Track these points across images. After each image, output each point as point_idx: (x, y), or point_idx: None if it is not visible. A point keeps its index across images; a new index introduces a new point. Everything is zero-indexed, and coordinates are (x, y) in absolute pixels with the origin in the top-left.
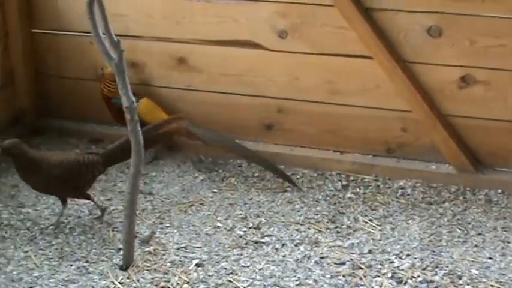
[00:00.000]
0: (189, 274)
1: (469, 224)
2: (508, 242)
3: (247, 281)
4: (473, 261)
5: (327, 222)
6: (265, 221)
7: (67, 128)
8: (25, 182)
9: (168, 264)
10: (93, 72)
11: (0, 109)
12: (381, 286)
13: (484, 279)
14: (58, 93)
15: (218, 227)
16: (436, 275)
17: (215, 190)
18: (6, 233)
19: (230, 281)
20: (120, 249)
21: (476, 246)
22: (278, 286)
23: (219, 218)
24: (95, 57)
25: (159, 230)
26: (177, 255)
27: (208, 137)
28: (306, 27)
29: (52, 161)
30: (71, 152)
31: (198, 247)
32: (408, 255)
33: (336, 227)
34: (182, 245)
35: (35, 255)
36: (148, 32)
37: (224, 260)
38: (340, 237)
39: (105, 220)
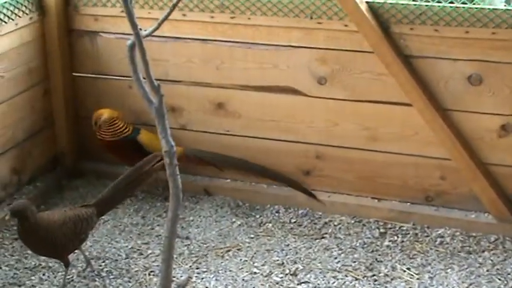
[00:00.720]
0: None
1: (509, 274)
2: None
3: None
4: None
5: (365, 270)
6: (302, 267)
7: (105, 170)
8: (27, 245)
9: None
10: (132, 116)
11: (40, 151)
12: None
13: None
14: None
15: (255, 273)
16: None
17: (252, 235)
18: (44, 275)
19: None
20: None
21: None
22: None
23: (255, 264)
24: (133, 101)
25: (195, 275)
26: None
27: (218, 159)
28: (345, 74)
29: (56, 221)
30: (63, 208)
31: None
32: None
33: (374, 275)
34: None
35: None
36: (187, 76)
37: None
38: (378, 286)
39: (143, 265)
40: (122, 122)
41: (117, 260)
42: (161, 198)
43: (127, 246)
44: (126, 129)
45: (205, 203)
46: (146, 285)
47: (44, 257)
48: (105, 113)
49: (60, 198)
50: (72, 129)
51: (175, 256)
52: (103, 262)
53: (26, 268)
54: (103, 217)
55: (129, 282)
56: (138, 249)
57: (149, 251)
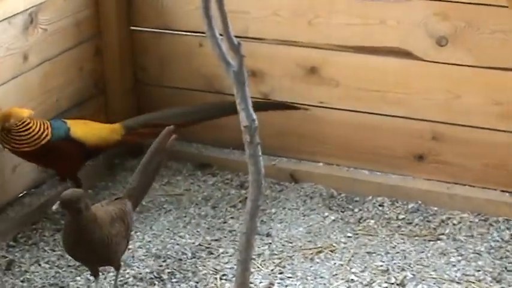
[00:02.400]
0: None
1: None
2: None
3: None
4: None
5: (491, 281)
6: (411, 276)
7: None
8: (71, 246)
9: None
10: (202, 82)
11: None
12: None
13: None
14: (159, 106)
15: (352, 280)
16: None
17: (349, 234)
18: (91, 275)
19: None
20: None
21: None
22: None
23: (353, 270)
24: (204, 63)
25: (278, 281)
26: None
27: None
28: (472, 33)
29: (104, 216)
30: (99, 203)
31: None
32: None
33: None
34: None
35: None
36: (272, 33)
37: None
38: None
39: (213, 266)
40: (35, 122)
41: (181, 260)
42: None
43: (193, 243)
44: (45, 132)
45: (291, 192)
46: None
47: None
48: (12, 114)
49: (112, 181)
50: (128, 98)
51: (253, 257)
52: (164, 262)
53: (69, 266)
54: (164, 206)
55: (196, 287)
56: (207, 247)
57: (221, 250)
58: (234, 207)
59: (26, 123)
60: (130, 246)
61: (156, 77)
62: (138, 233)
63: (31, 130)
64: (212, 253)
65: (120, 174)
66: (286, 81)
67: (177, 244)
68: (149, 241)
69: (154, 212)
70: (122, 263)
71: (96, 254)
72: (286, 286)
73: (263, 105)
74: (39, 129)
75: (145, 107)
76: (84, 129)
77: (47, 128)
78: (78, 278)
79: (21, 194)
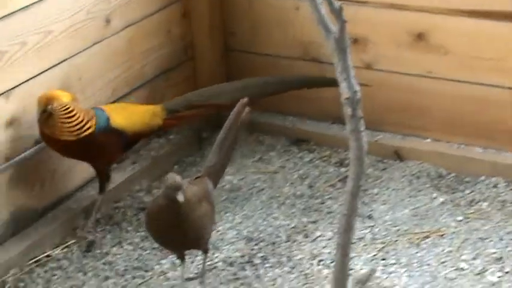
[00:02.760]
0: None
1: None
2: None
3: None
4: None
5: None
6: None
7: (261, 122)
8: (162, 233)
9: None
10: (298, 49)
11: (177, 93)
12: None
13: None
14: (249, 74)
15: (462, 269)
16: None
17: (460, 218)
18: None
19: None
20: None
21: None
22: None
23: (463, 257)
24: (301, 28)
25: (380, 267)
26: None
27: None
28: None
29: (193, 198)
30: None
31: None
32: None
33: None
34: None
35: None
36: None
37: None
38: None
39: (309, 250)
40: (79, 109)
41: (274, 243)
42: None
43: (288, 225)
44: (89, 122)
45: (396, 170)
46: (313, 279)
47: None
48: (56, 97)
49: (200, 156)
50: (218, 65)
51: (353, 241)
52: (256, 245)
53: (154, 249)
54: (256, 185)
55: (291, 273)
56: (303, 230)
57: (318, 233)
58: (333, 186)
59: (69, 109)
60: (219, 228)
61: (247, 43)
62: (228, 214)
63: (74, 118)
64: (308, 236)
65: (209, 149)
66: (390, 48)
67: (271, 226)
68: (240, 222)
69: (246, 191)
70: (210, 246)
71: (188, 238)
72: (390, 273)
73: (310, 81)
74: (83, 118)
75: (235, 75)
76: (124, 115)
77: (92, 118)
78: (164, 261)
79: None
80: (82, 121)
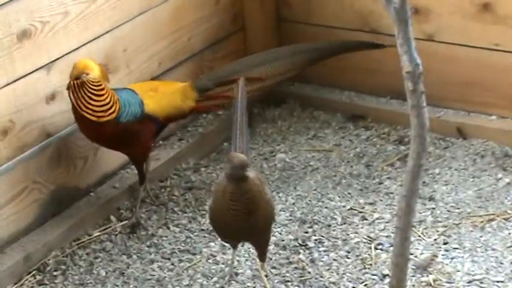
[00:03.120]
0: None
1: None
2: None
3: None
4: None
5: None
6: None
7: (315, 96)
8: (231, 221)
9: None
10: (356, 19)
11: (227, 61)
12: None
13: None
14: None
15: None
16: None
17: None
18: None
19: None
20: (385, 275)
21: None
22: None
23: None
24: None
25: (442, 252)
26: None
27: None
28: None
29: (255, 181)
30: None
31: (499, 281)
32: None
33: None
34: (475, 277)
35: (265, 276)
36: None
37: None
38: None
39: (367, 234)
40: (109, 91)
41: (330, 226)
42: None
43: (344, 207)
44: (112, 107)
45: (459, 149)
46: (371, 263)
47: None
48: (91, 68)
49: (250, 133)
50: (270, 36)
51: (414, 224)
52: (310, 227)
53: (202, 230)
54: (310, 164)
55: (347, 257)
56: (361, 212)
57: (376, 215)
58: (391, 165)
59: (100, 86)
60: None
61: (301, 13)
62: (281, 194)
63: (103, 98)
64: (366, 218)
65: (260, 126)
66: (454, 19)
67: (326, 207)
68: (293, 203)
69: (299, 170)
70: None
71: (259, 225)
72: (452, 258)
73: (336, 47)
74: (110, 101)
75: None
76: (156, 99)
77: (116, 102)
78: (212, 244)
79: None
80: (108, 103)
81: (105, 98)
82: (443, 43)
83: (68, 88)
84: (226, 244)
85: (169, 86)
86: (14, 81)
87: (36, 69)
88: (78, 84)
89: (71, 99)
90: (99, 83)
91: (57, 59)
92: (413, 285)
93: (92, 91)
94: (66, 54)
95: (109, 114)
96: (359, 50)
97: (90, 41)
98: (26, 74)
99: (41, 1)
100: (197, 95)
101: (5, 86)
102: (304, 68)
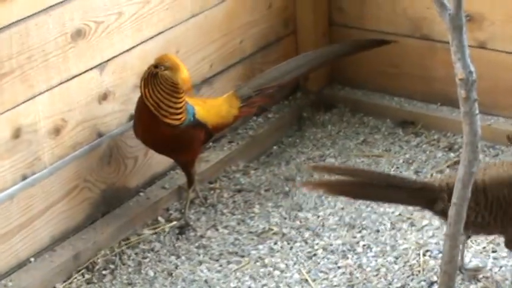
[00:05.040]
0: None
1: None
2: None
3: None
4: None
5: None
6: None
7: (365, 102)
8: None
9: None
10: (409, 25)
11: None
12: None
13: None
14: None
15: None
16: None
17: None
18: (275, 244)
19: None
20: (433, 282)
21: None
22: None
23: None
24: (412, 4)
25: (490, 260)
26: None
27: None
28: None
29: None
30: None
31: None
32: None
33: None
34: None
35: (313, 280)
36: None
37: None
38: None
39: (415, 240)
40: (184, 99)
41: (378, 231)
42: None
43: (393, 213)
44: (182, 113)
45: (509, 156)
46: (419, 270)
47: (276, 220)
48: (182, 70)
49: (299, 137)
50: (321, 41)
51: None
52: (359, 232)
53: (251, 233)
54: None
55: (395, 263)
56: (409, 218)
57: (424, 222)
58: (441, 172)
59: (177, 89)
60: (320, 214)
61: (354, 18)
62: (330, 199)
63: (176, 100)
64: (414, 225)
65: (310, 130)
66: (508, 27)
67: (375, 213)
68: (342, 208)
69: None
70: (311, 232)
71: None
72: (501, 267)
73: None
74: (182, 108)
75: None
76: (205, 108)
77: (183, 112)
78: (260, 247)
79: None
80: (180, 109)
81: (178, 103)
82: (496, 51)
83: (143, 78)
84: (275, 247)
85: (214, 100)
86: (67, 80)
87: (90, 69)
88: (152, 73)
89: (140, 85)
90: (176, 85)
91: (110, 59)
92: None
93: (165, 88)
94: (119, 54)
95: (174, 119)
96: (370, 48)
97: (143, 42)
98: (79, 74)
99: (96, 1)
100: (240, 103)
101: (58, 84)
102: (319, 68)
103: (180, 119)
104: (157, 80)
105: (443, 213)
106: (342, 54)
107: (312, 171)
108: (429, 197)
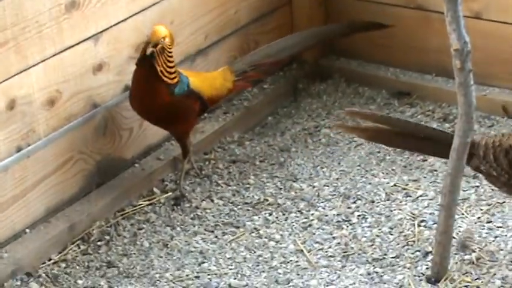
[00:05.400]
0: None
1: None
2: None
3: None
4: None
5: None
6: None
7: (360, 72)
8: None
9: (497, 281)
10: None
11: (271, 40)
12: None
13: None
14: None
15: None
16: None
17: None
18: (270, 215)
19: None
20: (428, 252)
21: None
22: None
23: None
24: None
25: (485, 230)
26: (511, 270)
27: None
28: None
29: None
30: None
31: None
32: None
33: None
34: None
35: (308, 251)
36: None
37: None
38: None
39: (410, 210)
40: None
41: (373, 202)
42: None
43: (388, 183)
44: (177, 71)
45: (504, 127)
46: (414, 240)
47: (271, 191)
48: (171, 36)
49: (295, 108)
50: (316, 11)
51: (458, 202)
52: (354, 203)
53: (246, 204)
54: (355, 139)
55: (390, 234)
56: (404, 189)
57: (419, 192)
58: None
59: (171, 51)
60: (315, 184)
61: None
62: (325, 169)
63: (172, 62)
64: (409, 195)
65: (305, 101)
66: None
67: (369, 183)
68: (337, 179)
69: (344, 145)
70: (306, 203)
71: None
72: (496, 237)
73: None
74: (175, 66)
75: (334, 21)
76: (199, 79)
77: (177, 69)
78: (256, 218)
79: None
80: (174, 67)
81: (173, 62)
82: (490, 21)
83: (147, 56)
84: (270, 218)
85: (208, 73)
86: (62, 51)
87: (84, 40)
88: (159, 51)
89: (152, 67)
90: (171, 48)
91: (105, 30)
92: (456, 263)
93: (168, 55)
94: (114, 25)
95: (174, 78)
96: (367, 30)
97: (138, 13)
98: (74, 45)
99: None
100: (234, 77)
101: (52, 56)
102: (314, 46)
103: (176, 76)
104: (165, 54)
105: (478, 170)
106: (338, 34)
107: (346, 116)
108: None
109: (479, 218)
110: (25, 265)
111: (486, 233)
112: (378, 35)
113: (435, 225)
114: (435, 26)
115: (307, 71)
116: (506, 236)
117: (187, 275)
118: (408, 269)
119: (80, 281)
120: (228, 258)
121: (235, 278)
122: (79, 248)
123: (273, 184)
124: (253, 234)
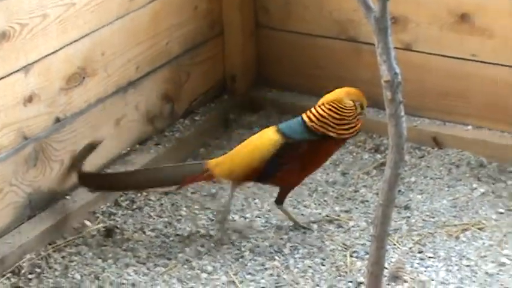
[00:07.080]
0: None
1: None
2: None
3: None
4: None
5: None
6: None
7: (291, 103)
8: None
9: None
10: (335, 27)
11: (203, 72)
12: None
13: None
14: (283, 54)
15: (503, 264)
16: None
17: (501, 210)
18: (203, 246)
19: None
20: (360, 283)
21: None
22: None
23: (505, 252)
24: (339, 7)
25: (417, 261)
26: None
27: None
28: None
29: None
30: None
31: None
32: None
33: None
34: (449, 286)
35: (240, 282)
36: None
37: None
38: None
39: (342, 241)
40: None
41: (305, 233)
42: None
43: (320, 214)
44: None
45: (434, 158)
46: (346, 271)
47: (203, 223)
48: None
49: (226, 139)
50: (248, 43)
51: (389, 232)
52: (286, 234)
53: (178, 235)
54: None
55: (322, 264)
56: (336, 220)
57: (351, 223)
58: (367, 174)
59: None
60: (247, 216)
61: (280, 20)
62: (257, 201)
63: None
64: (341, 226)
65: (236, 132)
66: (432, 29)
67: (301, 214)
68: (269, 210)
69: None
70: (238, 234)
71: None
72: (427, 267)
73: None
74: None
75: (266, 54)
76: None
77: None
78: (187, 249)
79: (125, 151)
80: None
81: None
82: (420, 53)
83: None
84: (202, 249)
85: None
86: None
87: (14, 72)
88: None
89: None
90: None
91: (36, 61)
92: None
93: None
94: (45, 56)
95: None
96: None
97: (69, 44)
98: (4, 76)
99: (20, 3)
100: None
101: None
102: None
103: None
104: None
105: None
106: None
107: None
108: None
109: (410, 248)
110: None
111: (417, 264)
112: (310, 66)
113: (367, 256)
114: (366, 58)
115: (238, 102)
116: (437, 266)
117: None
118: None
119: None
120: None
121: None
122: (9, 281)
123: (204, 216)
124: (185, 266)
